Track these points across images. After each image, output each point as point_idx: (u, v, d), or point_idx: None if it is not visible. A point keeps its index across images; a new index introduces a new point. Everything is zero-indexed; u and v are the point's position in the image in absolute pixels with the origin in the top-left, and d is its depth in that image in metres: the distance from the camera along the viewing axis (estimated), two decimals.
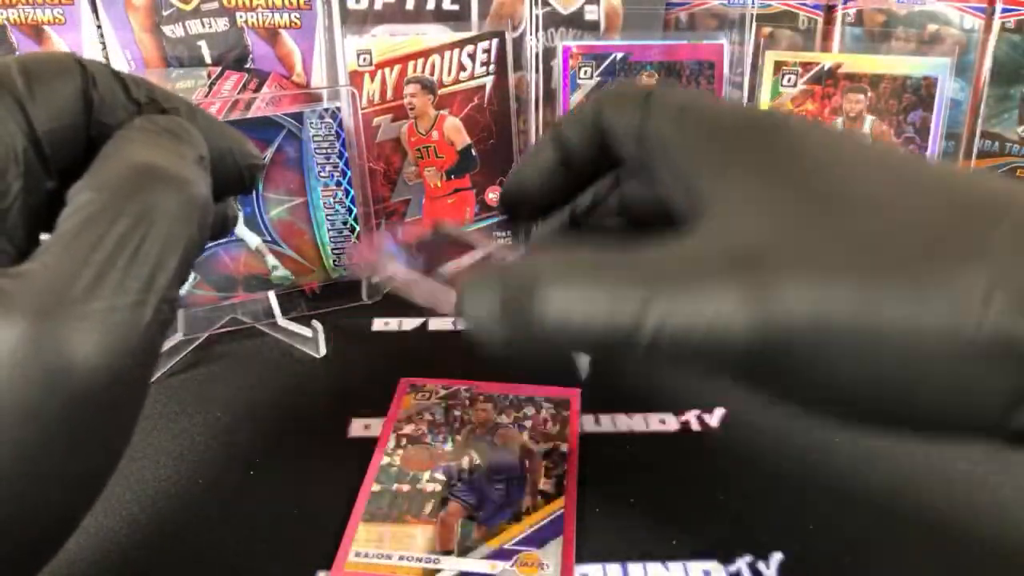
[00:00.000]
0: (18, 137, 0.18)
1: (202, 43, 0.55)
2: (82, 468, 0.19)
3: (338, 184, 0.47)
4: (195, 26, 0.55)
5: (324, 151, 0.46)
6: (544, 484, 0.35)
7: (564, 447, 0.37)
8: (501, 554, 0.32)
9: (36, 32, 0.54)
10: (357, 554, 0.32)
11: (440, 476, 0.36)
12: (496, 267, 0.23)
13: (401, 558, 0.32)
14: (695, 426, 0.41)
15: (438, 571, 0.31)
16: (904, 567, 0.33)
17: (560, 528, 0.33)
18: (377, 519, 0.34)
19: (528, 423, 0.39)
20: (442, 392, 0.41)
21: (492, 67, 0.51)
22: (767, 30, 0.56)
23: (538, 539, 0.33)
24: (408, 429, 0.38)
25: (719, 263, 0.19)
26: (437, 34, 0.51)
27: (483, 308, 0.20)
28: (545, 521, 0.33)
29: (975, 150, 0.53)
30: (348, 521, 0.34)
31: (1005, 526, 0.35)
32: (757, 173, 0.20)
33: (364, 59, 0.50)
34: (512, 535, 0.33)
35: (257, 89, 0.53)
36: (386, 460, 0.37)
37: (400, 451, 0.37)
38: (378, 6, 0.52)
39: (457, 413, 0.39)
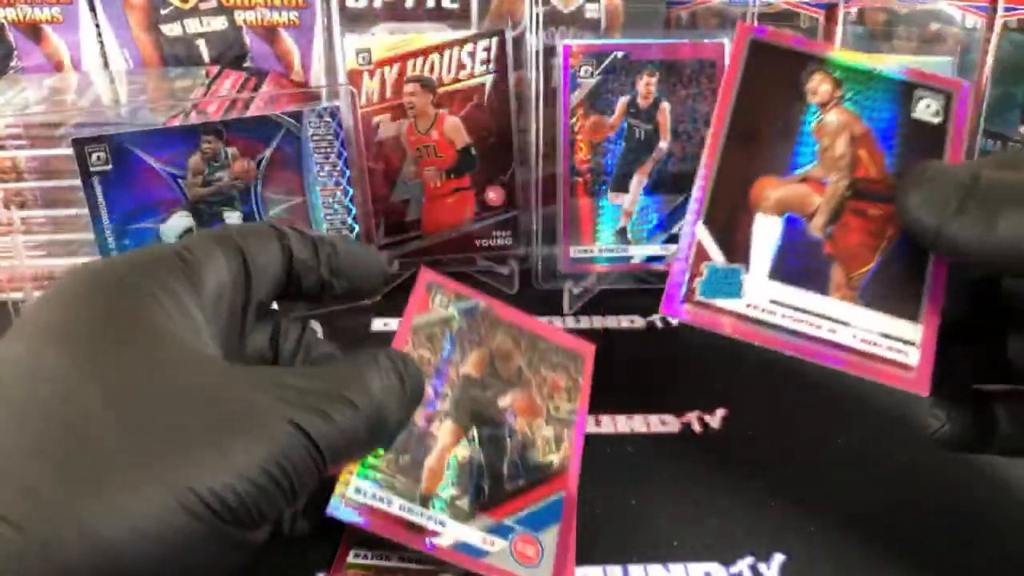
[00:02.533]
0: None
1: (200, 42, 0.55)
2: None
3: (337, 184, 0.47)
4: (193, 24, 0.54)
5: (323, 150, 0.46)
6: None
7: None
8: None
9: (34, 31, 0.54)
10: (356, 554, 0.32)
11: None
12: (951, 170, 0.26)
13: (401, 559, 0.32)
14: (696, 427, 0.41)
15: (438, 574, 0.31)
16: (905, 568, 0.33)
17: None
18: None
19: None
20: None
21: (492, 66, 0.51)
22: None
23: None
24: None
25: None
26: (437, 33, 0.51)
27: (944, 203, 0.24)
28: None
29: (977, 149, 0.53)
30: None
31: (1007, 527, 0.35)
32: None
33: (363, 58, 0.50)
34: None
35: (256, 88, 0.52)
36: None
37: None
38: (377, 4, 0.52)
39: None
